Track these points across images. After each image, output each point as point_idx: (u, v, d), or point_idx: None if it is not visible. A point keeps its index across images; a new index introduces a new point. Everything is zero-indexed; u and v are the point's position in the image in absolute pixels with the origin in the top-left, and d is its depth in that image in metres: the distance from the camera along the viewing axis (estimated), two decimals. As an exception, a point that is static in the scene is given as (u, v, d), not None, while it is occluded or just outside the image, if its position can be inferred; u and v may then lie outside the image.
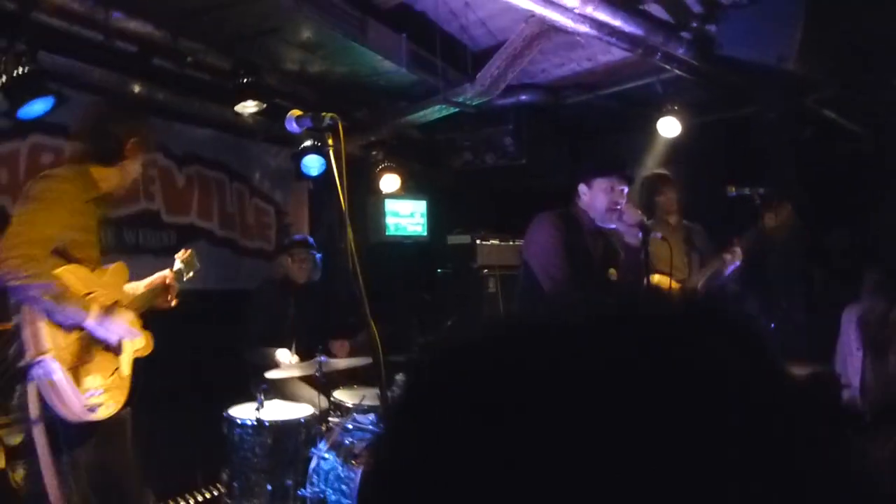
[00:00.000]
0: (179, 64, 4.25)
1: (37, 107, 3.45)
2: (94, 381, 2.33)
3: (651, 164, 5.02)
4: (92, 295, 2.38)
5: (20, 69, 3.40)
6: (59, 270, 2.27)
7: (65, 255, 2.34)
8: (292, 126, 2.24)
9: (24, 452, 2.41)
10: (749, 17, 3.82)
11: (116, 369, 2.46)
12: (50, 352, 2.20)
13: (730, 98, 5.01)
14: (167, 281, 2.79)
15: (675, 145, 4.94)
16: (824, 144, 5.01)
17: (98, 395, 2.32)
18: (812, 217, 4.44)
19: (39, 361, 2.18)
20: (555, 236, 2.98)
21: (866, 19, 3.71)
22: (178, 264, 2.96)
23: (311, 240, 4.72)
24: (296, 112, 2.24)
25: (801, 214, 4.04)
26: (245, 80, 4.26)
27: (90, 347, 2.34)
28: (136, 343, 2.58)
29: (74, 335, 2.30)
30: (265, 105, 4.42)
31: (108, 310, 2.39)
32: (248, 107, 4.41)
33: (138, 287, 2.76)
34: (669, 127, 4.83)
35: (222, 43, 4.17)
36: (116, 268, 2.62)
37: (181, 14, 3.77)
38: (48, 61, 3.64)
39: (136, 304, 2.65)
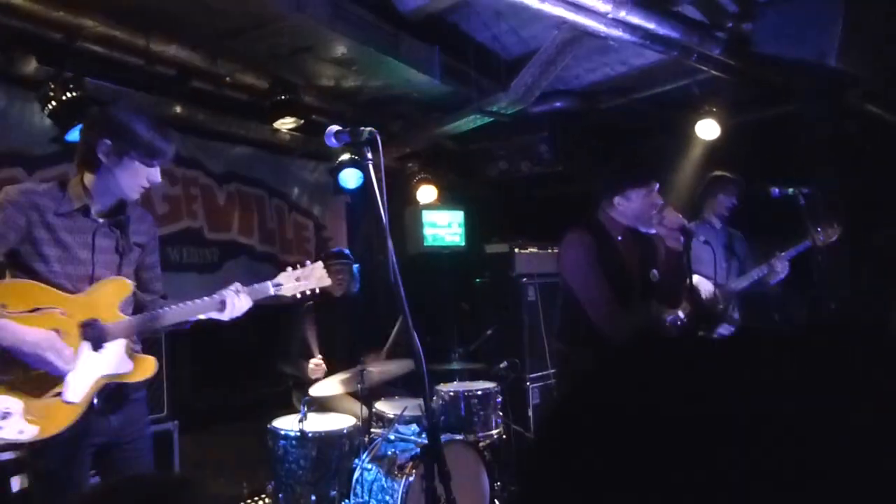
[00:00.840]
0: (217, 85, 4.36)
1: (83, 131, 3.57)
2: None
3: (689, 167, 4.95)
4: (40, 312, 2.20)
5: (67, 95, 3.54)
6: None
7: (25, 270, 2.24)
8: (331, 141, 2.26)
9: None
10: (786, 14, 3.75)
11: (58, 393, 2.23)
12: None
13: (768, 96, 4.92)
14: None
15: (714, 146, 4.87)
16: (868, 139, 4.88)
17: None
18: (858, 215, 4.32)
19: None
20: (584, 256, 2.94)
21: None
22: (288, 273, 2.87)
23: (346, 251, 4.75)
24: (334, 127, 2.26)
25: (845, 213, 3.94)
26: (282, 98, 4.34)
27: (6, 366, 2.16)
28: (106, 367, 2.34)
29: None
30: (302, 121, 4.50)
31: (30, 329, 2.17)
32: (286, 123, 4.50)
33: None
34: (708, 129, 4.76)
35: (258, 63, 4.25)
36: (105, 284, 2.38)
37: (217, 37, 3.87)
38: (93, 87, 3.77)
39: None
